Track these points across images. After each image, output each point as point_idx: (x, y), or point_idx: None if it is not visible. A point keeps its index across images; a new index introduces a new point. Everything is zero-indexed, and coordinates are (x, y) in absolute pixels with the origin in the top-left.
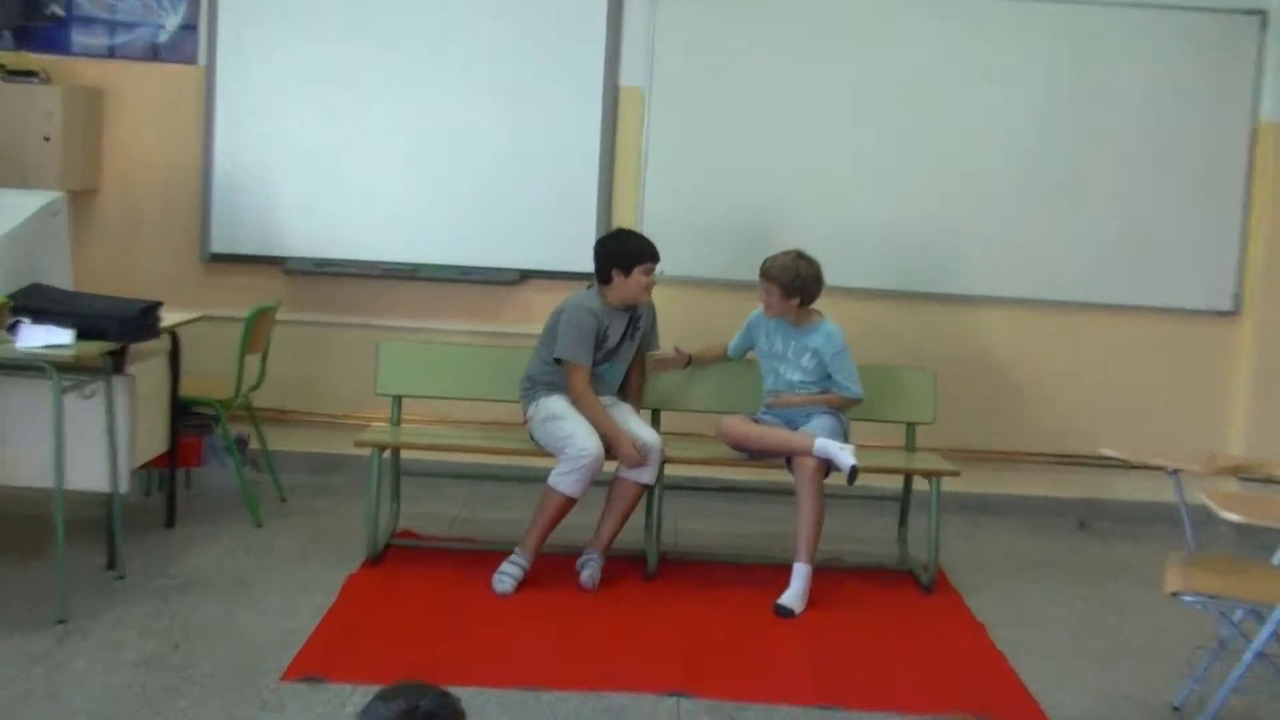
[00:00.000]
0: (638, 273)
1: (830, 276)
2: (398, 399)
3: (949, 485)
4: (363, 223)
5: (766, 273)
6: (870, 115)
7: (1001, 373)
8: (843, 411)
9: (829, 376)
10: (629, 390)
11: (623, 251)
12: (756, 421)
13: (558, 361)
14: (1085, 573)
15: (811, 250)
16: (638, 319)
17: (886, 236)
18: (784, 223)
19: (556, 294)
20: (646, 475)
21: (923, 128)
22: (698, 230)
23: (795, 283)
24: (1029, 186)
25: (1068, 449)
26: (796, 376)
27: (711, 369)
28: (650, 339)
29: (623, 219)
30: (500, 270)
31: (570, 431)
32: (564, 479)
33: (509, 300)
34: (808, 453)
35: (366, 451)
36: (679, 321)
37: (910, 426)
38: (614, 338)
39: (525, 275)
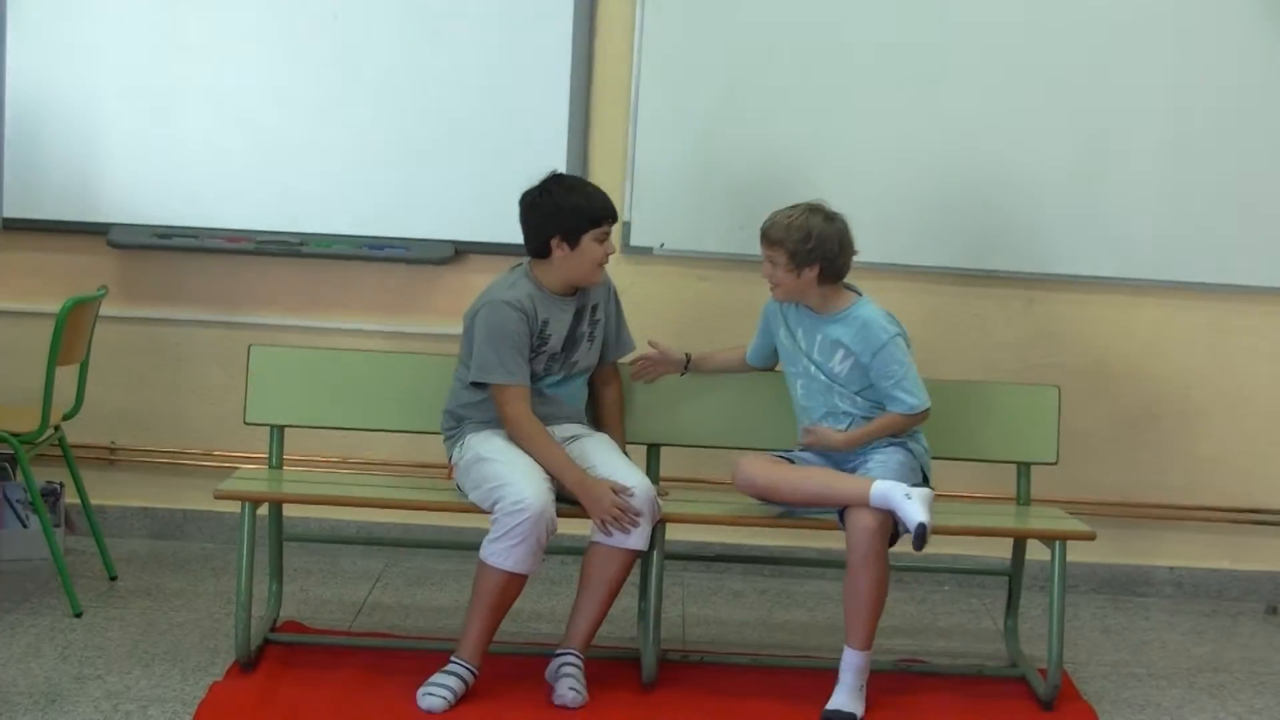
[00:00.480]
0: (589, 240)
1: (889, 251)
2: (278, 431)
3: (1079, 553)
4: (224, 176)
5: (766, 234)
6: (941, 41)
7: (1145, 390)
8: (915, 439)
9: (869, 385)
10: (604, 414)
11: (565, 210)
12: (789, 462)
13: (478, 385)
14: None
15: (864, 215)
16: (593, 308)
17: (964, 196)
18: (826, 177)
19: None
20: (636, 540)
21: (1012, 60)
22: (710, 189)
23: (807, 245)
24: (1163, 134)
25: (1249, 500)
26: (828, 385)
27: (729, 385)
28: (618, 335)
29: (605, 173)
30: (426, 243)
31: (503, 478)
32: (498, 548)
33: (439, 286)
34: (862, 502)
35: (234, 507)
36: (680, 316)
37: (1022, 469)
38: (557, 337)
39: (462, 250)
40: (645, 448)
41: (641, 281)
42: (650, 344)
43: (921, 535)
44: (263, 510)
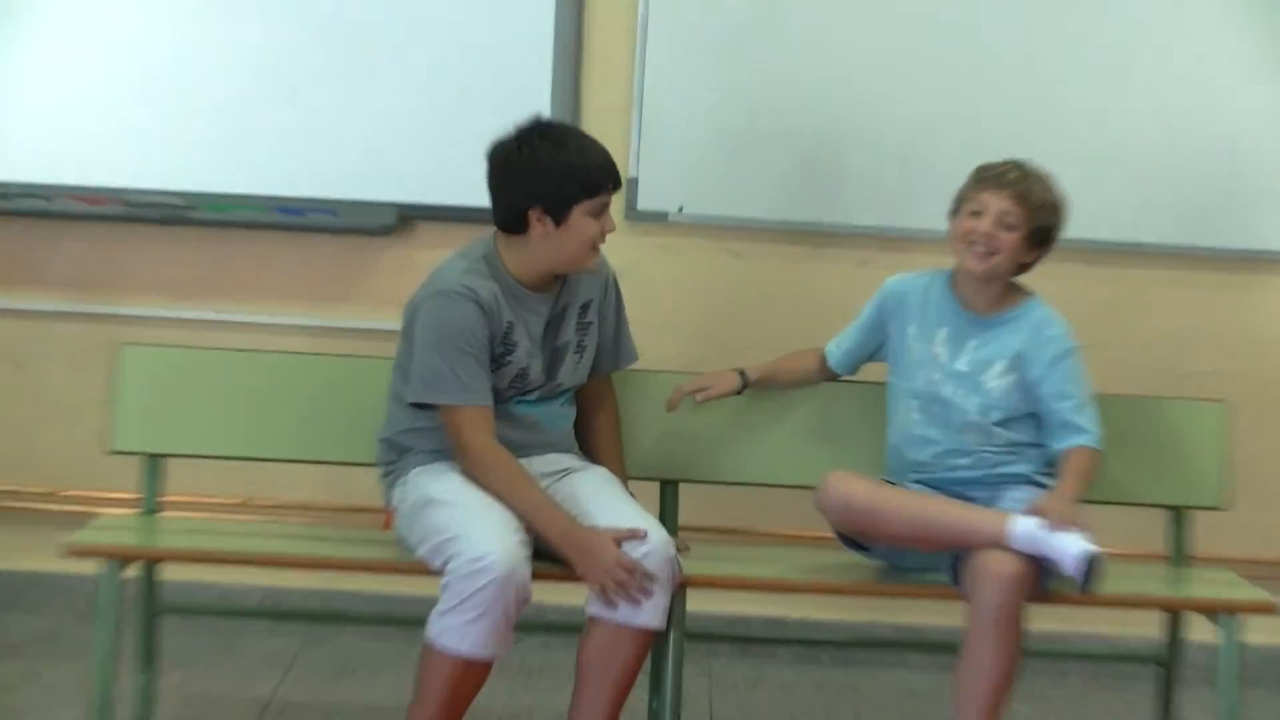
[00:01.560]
0: (581, 215)
1: None
2: (154, 462)
3: (1259, 632)
4: (81, 116)
5: (1015, 185)
6: None
7: None
8: (1089, 487)
9: (1033, 416)
10: (596, 441)
11: (550, 172)
12: (892, 485)
13: (422, 406)
14: None
15: (953, 172)
16: (584, 308)
17: (1104, 156)
18: (913, 114)
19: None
20: (649, 613)
21: None
22: (747, 132)
23: (1053, 220)
24: None
25: None
26: (975, 412)
27: (772, 400)
28: (616, 342)
29: (602, 111)
30: (361, 207)
31: (458, 527)
32: (451, 624)
33: (378, 264)
34: (996, 541)
35: (91, 567)
36: (704, 307)
37: (1177, 516)
38: (526, 349)
39: (408, 216)
40: (658, 485)
41: (651, 260)
42: (677, 393)
43: (1091, 571)
44: (132, 571)
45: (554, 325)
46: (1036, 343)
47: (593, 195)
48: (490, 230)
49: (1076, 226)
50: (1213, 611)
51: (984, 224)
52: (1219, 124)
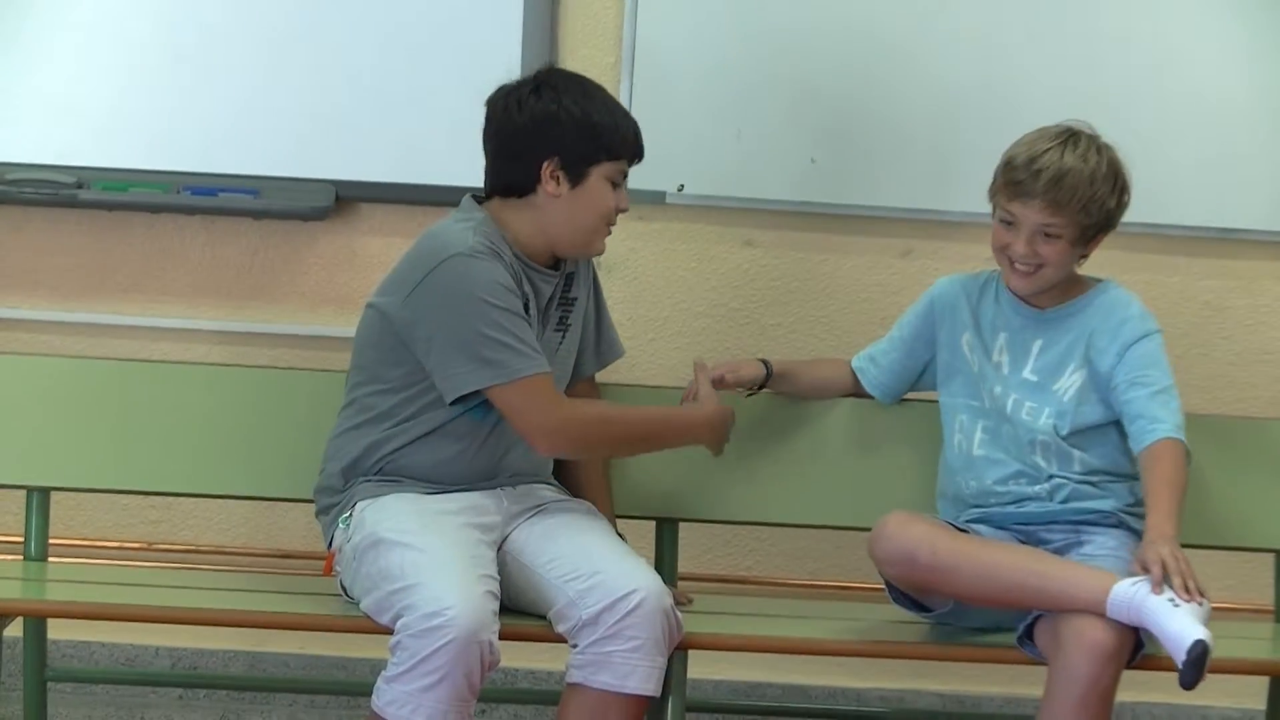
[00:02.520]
0: (599, 179)
1: None
2: (37, 497)
3: None
4: None
5: (1045, 189)
6: None
7: None
8: (1139, 515)
9: (1115, 428)
10: (580, 470)
11: (574, 121)
12: (963, 533)
13: (458, 401)
14: None
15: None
16: (567, 280)
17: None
18: (968, 76)
19: (413, 238)
20: (641, 678)
21: None
22: (762, 97)
23: (1109, 206)
24: None
25: None
26: (1048, 427)
27: (791, 420)
28: (598, 336)
29: (582, 67)
30: (291, 185)
31: (412, 574)
32: (403, 691)
33: (310, 255)
34: (1098, 606)
35: None
36: (709, 304)
37: None
38: (537, 327)
39: (348, 198)
40: (654, 525)
41: (645, 250)
42: (698, 366)
43: (1200, 660)
44: (12, 631)
45: (553, 305)
46: (1107, 327)
47: (615, 158)
48: (470, 205)
49: (1164, 211)
50: None
51: (1020, 243)
52: None
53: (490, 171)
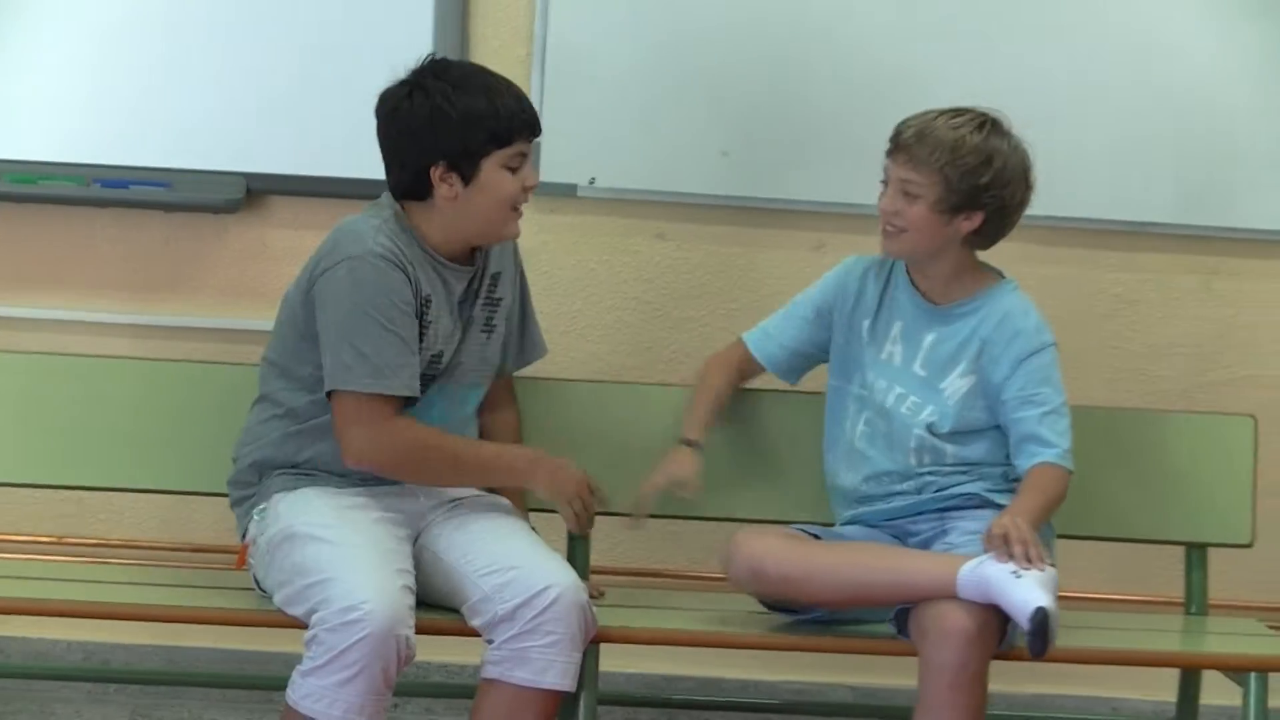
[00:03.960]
0: (493, 169)
1: None
2: None
3: None
4: None
5: (909, 143)
6: None
7: None
8: (1054, 510)
9: (996, 430)
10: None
11: (453, 118)
12: (812, 537)
13: (330, 396)
14: None
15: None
16: (492, 280)
17: (1119, 112)
18: (890, 69)
19: (325, 231)
20: (556, 673)
21: None
22: (676, 86)
23: (980, 178)
24: None
25: None
26: (927, 427)
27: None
28: (523, 329)
29: (494, 57)
30: (201, 178)
31: (327, 568)
32: (318, 685)
33: (220, 249)
34: (947, 590)
35: None
36: (621, 301)
37: (1193, 554)
38: (443, 325)
39: (259, 190)
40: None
41: (557, 243)
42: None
43: (1042, 627)
44: None
45: (467, 302)
46: (1001, 337)
47: (505, 144)
48: (382, 200)
49: (1074, 204)
50: (1236, 670)
51: (885, 198)
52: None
53: (387, 176)
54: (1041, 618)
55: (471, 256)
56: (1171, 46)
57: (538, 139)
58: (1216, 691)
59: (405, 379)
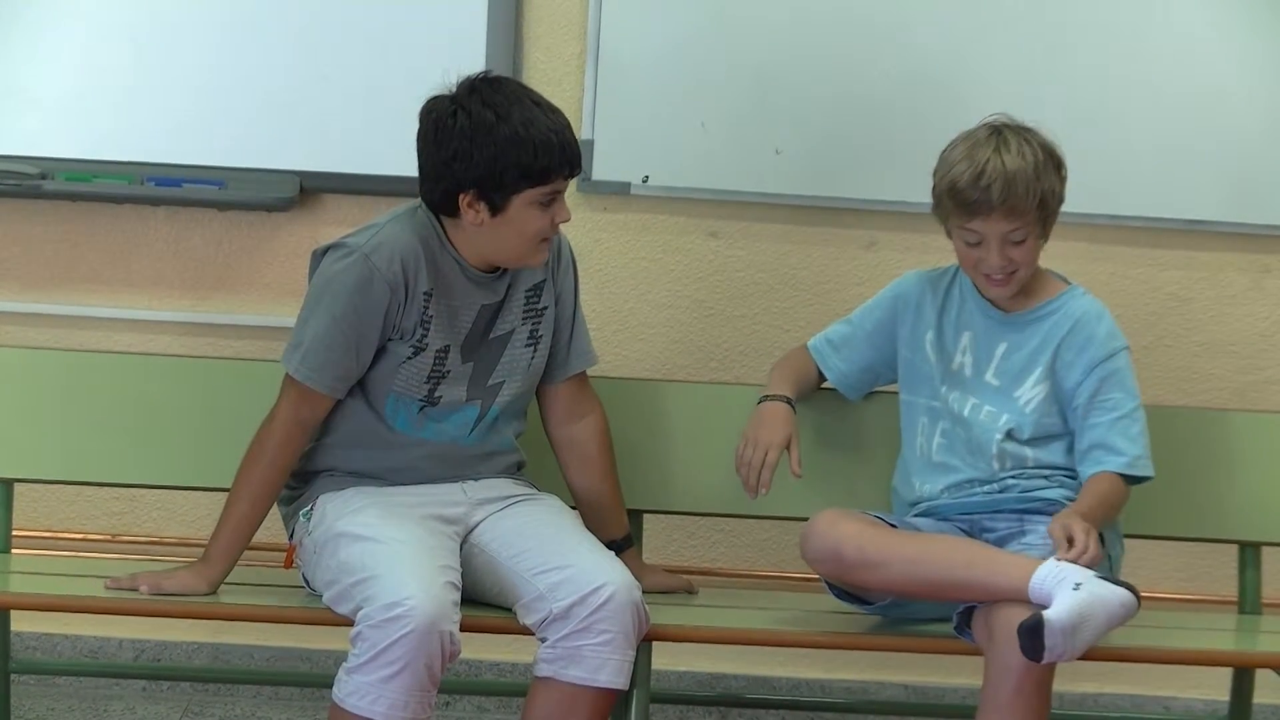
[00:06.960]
0: (523, 206)
1: None
2: (0, 489)
3: None
4: None
5: (996, 193)
6: None
7: None
8: (1112, 518)
9: (1067, 434)
10: (582, 477)
11: (485, 150)
12: (892, 528)
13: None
14: None
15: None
16: (535, 288)
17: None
18: (917, 80)
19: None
20: (610, 672)
21: None
22: (729, 87)
23: (1056, 200)
24: None
25: None
26: (1006, 434)
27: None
28: (573, 333)
29: (548, 58)
30: (255, 176)
31: (372, 566)
32: (363, 681)
33: (274, 247)
34: (1020, 594)
35: None
36: (674, 299)
37: (1247, 553)
38: (446, 326)
39: (312, 189)
40: (629, 518)
41: (610, 242)
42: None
43: (1034, 635)
44: None
45: (492, 311)
46: (1075, 342)
47: (539, 183)
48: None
49: (1126, 203)
50: None
51: (992, 255)
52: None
53: (419, 184)
54: (1036, 628)
55: (500, 272)
56: (1222, 44)
57: (581, 140)
58: (1270, 690)
59: (328, 379)
